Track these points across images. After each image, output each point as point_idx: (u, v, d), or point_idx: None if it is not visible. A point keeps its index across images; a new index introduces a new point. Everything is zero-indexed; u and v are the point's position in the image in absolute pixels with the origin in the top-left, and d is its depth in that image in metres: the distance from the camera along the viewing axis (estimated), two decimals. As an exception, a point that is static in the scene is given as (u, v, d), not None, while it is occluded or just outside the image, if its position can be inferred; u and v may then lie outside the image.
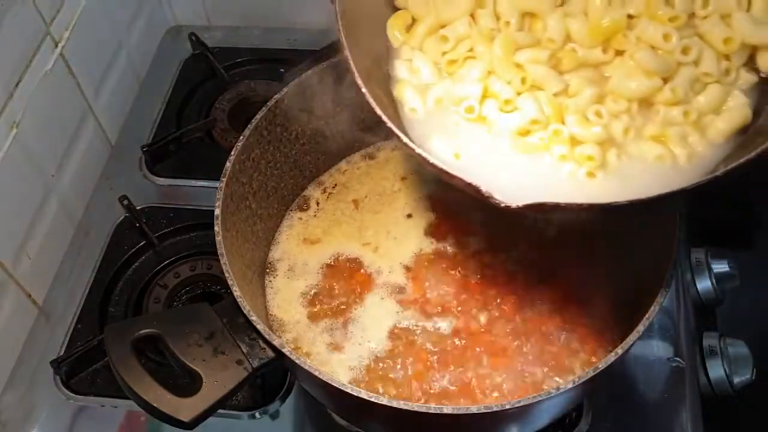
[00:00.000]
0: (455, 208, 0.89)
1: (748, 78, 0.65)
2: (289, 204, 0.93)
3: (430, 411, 0.65)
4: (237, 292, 0.72)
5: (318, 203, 0.94)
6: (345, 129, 0.90)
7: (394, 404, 0.65)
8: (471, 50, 0.69)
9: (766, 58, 0.64)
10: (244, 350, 0.71)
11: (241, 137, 0.83)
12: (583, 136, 0.64)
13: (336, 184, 0.95)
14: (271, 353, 0.71)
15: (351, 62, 0.66)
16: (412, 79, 0.70)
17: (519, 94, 0.66)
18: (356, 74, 0.66)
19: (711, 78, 0.65)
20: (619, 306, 0.81)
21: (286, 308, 0.85)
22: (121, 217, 1.04)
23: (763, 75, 0.65)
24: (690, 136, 0.64)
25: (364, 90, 0.65)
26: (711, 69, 0.64)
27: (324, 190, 0.94)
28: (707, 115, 0.65)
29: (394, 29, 0.72)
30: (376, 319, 0.83)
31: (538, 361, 0.78)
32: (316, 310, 0.85)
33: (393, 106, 0.71)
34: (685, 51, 0.65)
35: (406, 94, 0.69)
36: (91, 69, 1.09)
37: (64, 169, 1.04)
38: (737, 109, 0.64)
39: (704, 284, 0.97)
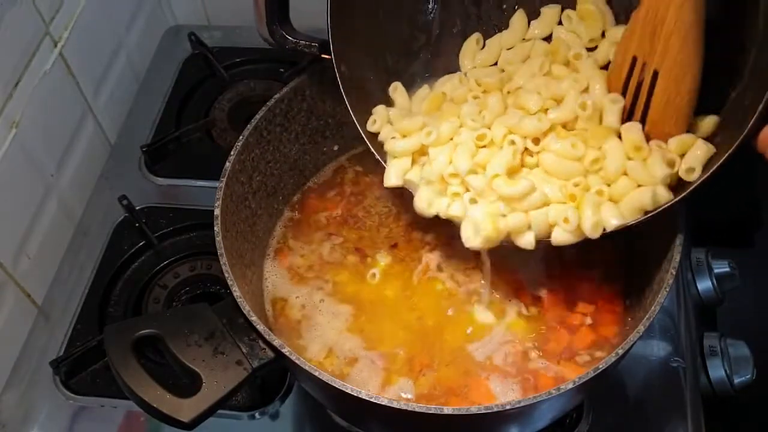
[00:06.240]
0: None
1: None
2: (289, 204, 0.93)
3: (430, 411, 0.65)
4: (237, 292, 0.72)
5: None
6: (345, 128, 0.90)
7: (394, 405, 0.65)
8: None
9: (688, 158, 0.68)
10: (244, 350, 0.71)
11: (241, 137, 0.83)
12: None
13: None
14: (270, 354, 0.71)
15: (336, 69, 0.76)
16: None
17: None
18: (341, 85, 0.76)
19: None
20: (618, 305, 0.81)
21: (288, 309, 0.85)
22: (121, 217, 1.04)
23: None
24: (603, 204, 0.69)
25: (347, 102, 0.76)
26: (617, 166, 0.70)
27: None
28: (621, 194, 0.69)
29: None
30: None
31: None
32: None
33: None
34: (595, 162, 0.70)
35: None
36: (90, 69, 1.09)
37: (64, 168, 1.04)
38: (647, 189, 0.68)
39: (705, 284, 0.97)
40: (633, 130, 0.70)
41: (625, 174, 0.69)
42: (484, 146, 0.74)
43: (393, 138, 0.77)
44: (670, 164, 0.68)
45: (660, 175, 0.67)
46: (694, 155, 0.67)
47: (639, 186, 0.69)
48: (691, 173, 0.67)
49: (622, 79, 0.70)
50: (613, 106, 0.71)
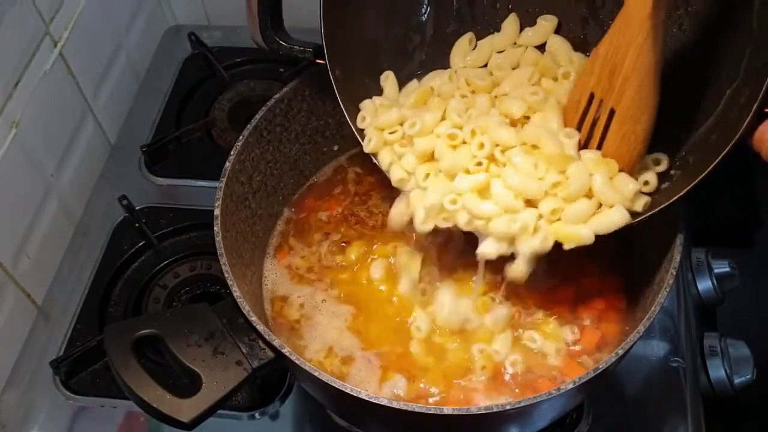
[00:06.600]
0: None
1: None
2: (289, 203, 0.93)
3: (430, 411, 0.65)
4: (237, 292, 0.72)
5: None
6: (345, 128, 0.90)
7: (394, 405, 0.65)
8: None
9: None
10: (244, 351, 0.71)
11: (241, 137, 0.83)
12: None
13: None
14: (270, 354, 0.71)
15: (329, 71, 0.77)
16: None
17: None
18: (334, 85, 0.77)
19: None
20: (618, 305, 0.81)
21: (287, 308, 0.85)
22: (121, 217, 1.04)
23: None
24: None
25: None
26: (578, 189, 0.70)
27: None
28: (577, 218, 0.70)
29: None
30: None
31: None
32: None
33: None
34: (555, 185, 0.69)
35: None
36: (90, 69, 1.09)
37: (64, 168, 1.04)
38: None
39: (705, 284, 0.97)
40: (594, 152, 0.71)
41: (587, 196, 0.69)
42: (455, 146, 0.74)
43: (370, 141, 0.77)
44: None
45: (631, 189, 0.68)
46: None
47: (600, 206, 0.69)
48: (659, 163, 0.70)
49: (578, 114, 0.71)
50: (568, 141, 0.71)
